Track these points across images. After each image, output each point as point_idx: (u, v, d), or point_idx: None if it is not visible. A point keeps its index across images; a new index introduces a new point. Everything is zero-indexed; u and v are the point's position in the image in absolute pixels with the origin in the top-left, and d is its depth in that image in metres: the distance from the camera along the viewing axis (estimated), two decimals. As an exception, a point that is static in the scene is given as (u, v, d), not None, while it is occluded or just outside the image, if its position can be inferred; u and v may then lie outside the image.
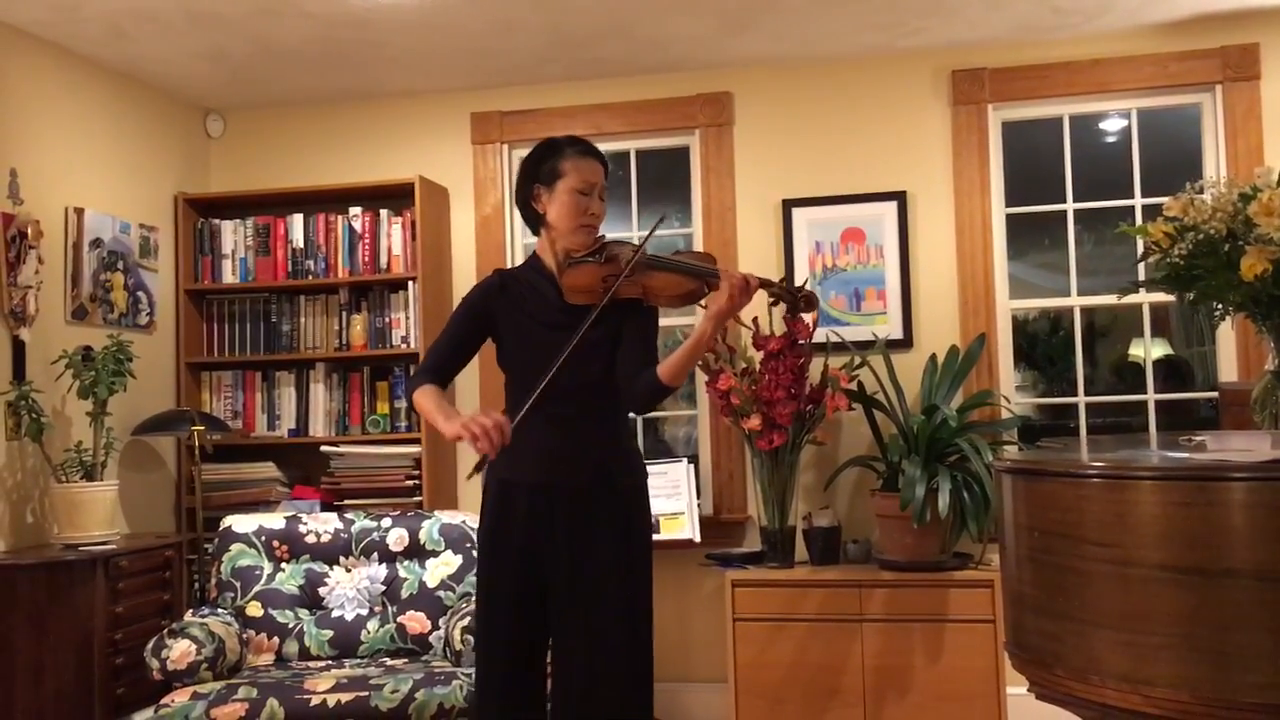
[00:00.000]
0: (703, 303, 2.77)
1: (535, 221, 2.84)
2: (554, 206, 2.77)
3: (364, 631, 3.89)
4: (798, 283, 2.69)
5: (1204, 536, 1.88)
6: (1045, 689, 2.14)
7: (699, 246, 4.80)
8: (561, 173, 2.76)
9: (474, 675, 2.83)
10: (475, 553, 3.49)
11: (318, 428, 4.82)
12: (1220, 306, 2.65)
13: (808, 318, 4.33)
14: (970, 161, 4.59)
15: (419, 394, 2.74)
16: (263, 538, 4.03)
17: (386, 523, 4.10)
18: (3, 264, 3.91)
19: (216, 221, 4.92)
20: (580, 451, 2.74)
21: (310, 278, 4.82)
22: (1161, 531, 1.92)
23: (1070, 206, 4.64)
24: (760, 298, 2.80)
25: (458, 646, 3.64)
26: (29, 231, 4.00)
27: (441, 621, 3.90)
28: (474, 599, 2.86)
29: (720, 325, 2.65)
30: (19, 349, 3.96)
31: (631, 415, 2.95)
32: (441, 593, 3.96)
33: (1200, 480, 1.91)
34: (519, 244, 4.95)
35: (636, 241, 2.80)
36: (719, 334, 2.64)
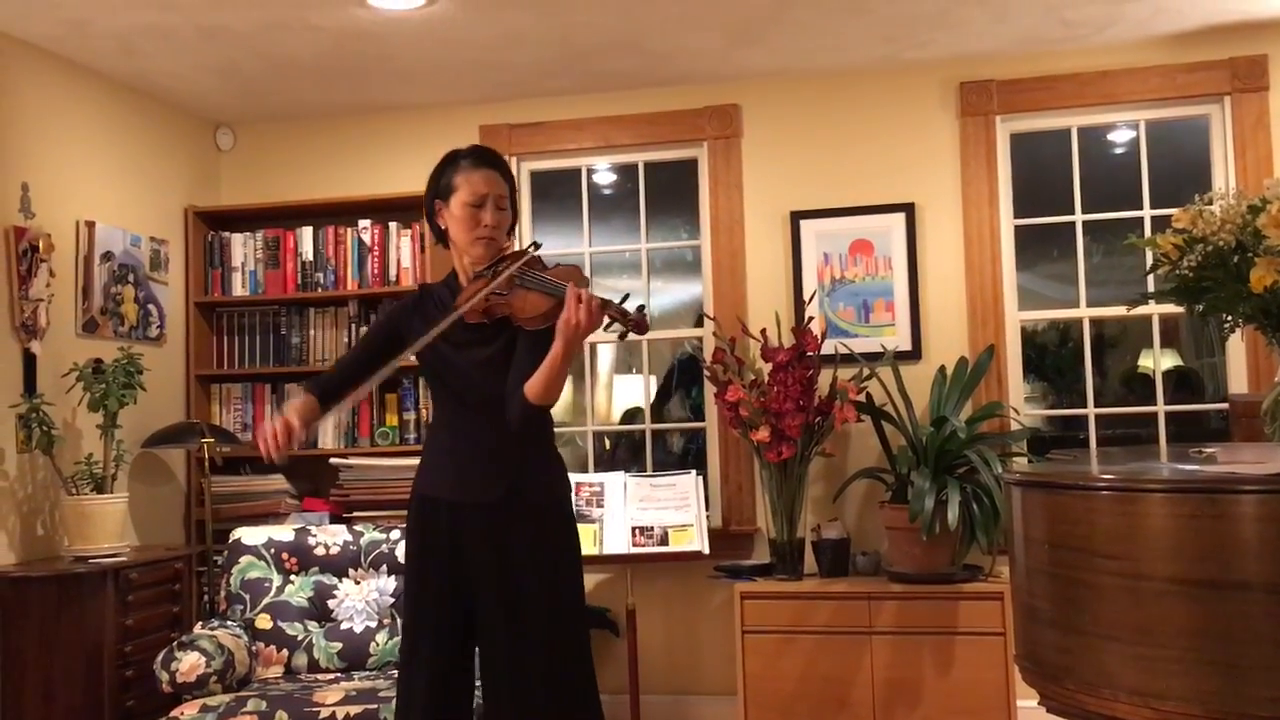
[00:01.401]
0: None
1: (441, 237, 2.85)
2: (452, 222, 2.77)
3: (373, 643, 3.89)
4: (635, 304, 2.63)
5: (1215, 549, 1.88)
6: (1056, 703, 2.14)
7: (707, 259, 4.81)
8: (454, 187, 2.76)
9: (397, 689, 2.80)
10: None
11: (327, 440, 4.83)
12: (1230, 318, 2.64)
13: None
14: (978, 173, 4.59)
15: (292, 400, 2.78)
16: (272, 550, 4.04)
17: (395, 535, 4.11)
18: (14, 277, 3.93)
19: (226, 234, 4.94)
20: (491, 468, 2.72)
21: (320, 290, 4.84)
22: (1172, 544, 1.92)
23: (1079, 218, 4.64)
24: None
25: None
26: (40, 245, 4.02)
27: (450, 634, 3.90)
28: (402, 620, 2.85)
29: (570, 342, 2.57)
30: (30, 362, 3.97)
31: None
32: (450, 605, 3.95)
33: (1211, 493, 1.91)
34: (527, 256, 4.96)
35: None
36: (576, 352, 2.61)
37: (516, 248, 2.84)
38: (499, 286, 2.67)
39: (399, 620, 3.94)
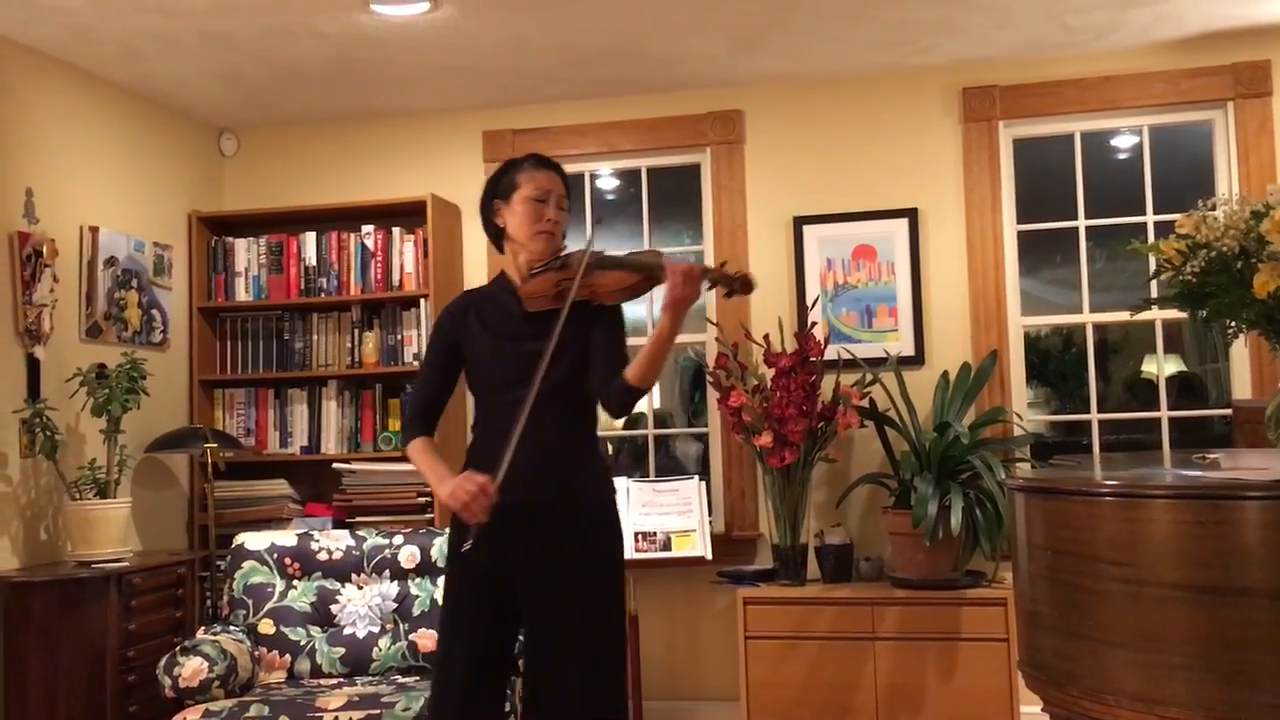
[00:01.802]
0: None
1: (498, 237, 2.91)
2: (512, 218, 2.84)
3: (375, 649, 3.89)
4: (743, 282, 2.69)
5: (1218, 556, 1.88)
6: (1060, 709, 2.13)
7: (710, 264, 4.80)
8: (517, 184, 2.83)
9: (431, 686, 2.81)
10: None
11: (330, 445, 4.83)
12: (1233, 324, 2.64)
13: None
14: (981, 178, 4.59)
15: (411, 450, 2.84)
16: (275, 555, 4.04)
17: (398, 540, 4.10)
18: (18, 282, 3.93)
19: (230, 240, 4.95)
20: (546, 468, 2.73)
21: (323, 295, 4.84)
22: (1175, 550, 1.91)
23: (1082, 223, 4.64)
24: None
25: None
26: (44, 250, 4.02)
27: (453, 639, 3.90)
28: (440, 617, 2.86)
29: (677, 316, 2.62)
30: (34, 367, 3.98)
31: (616, 420, 2.98)
32: (453, 610, 3.95)
33: (1214, 499, 1.91)
34: (530, 261, 4.96)
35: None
36: (678, 326, 2.64)
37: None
38: (572, 272, 2.71)
39: (402, 625, 3.94)
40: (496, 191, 2.88)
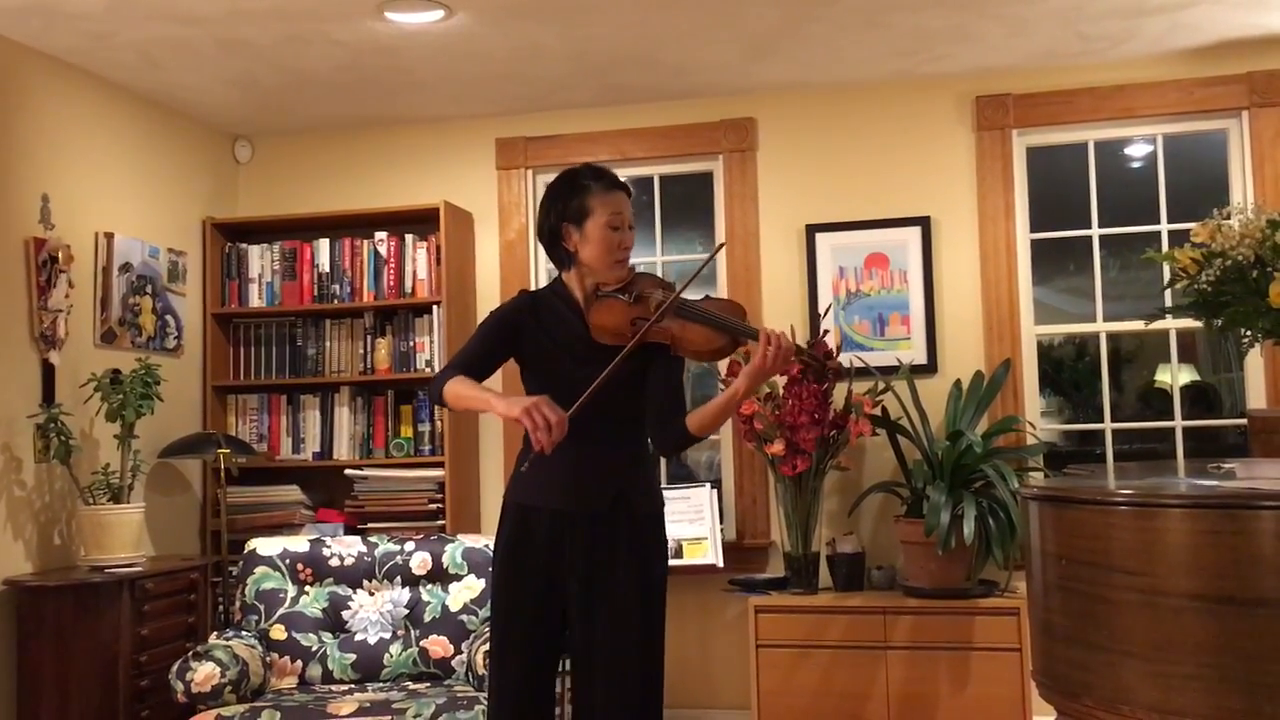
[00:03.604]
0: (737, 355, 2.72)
1: (565, 260, 2.79)
2: (586, 245, 2.72)
3: (387, 655, 3.89)
4: (824, 327, 2.63)
5: (1234, 566, 1.87)
6: (1073, 719, 2.12)
7: (723, 272, 4.81)
8: (590, 210, 2.72)
9: (488, 691, 2.83)
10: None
11: (342, 451, 4.84)
12: (1249, 333, 2.63)
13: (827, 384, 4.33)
14: (994, 187, 4.58)
15: (454, 382, 2.63)
16: (287, 560, 4.05)
17: (410, 546, 4.11)
18: (34, 288, 3.95)
19: (244, 246, 4.97)
20: (602, 479, 2.73)
21: (336, 302, 4.86)
22: (1191, 560, 1.91)
23: (1095, 232, 4.62)
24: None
25: (480, 671, 3.63)
26: (60, 256, 4.04)
27: (464, 645, 3.90)
28: (490, 620, 2.86)
29: (756, 385, 2.61)
30: (49, 372, 4.00)
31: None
32: (464, 617, 3.95)
33: (1230, 509, 1.90)
34: (543, 269, 4.97)
35: (665, 276, 2.78)
36: (754, 392, 2.60)
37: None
38: (648, 311, 2.62)
39: (413, 632, 3.94)
40: (566, 215, 2.73)
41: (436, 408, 4.72)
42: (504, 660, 2.76)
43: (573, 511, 2.71)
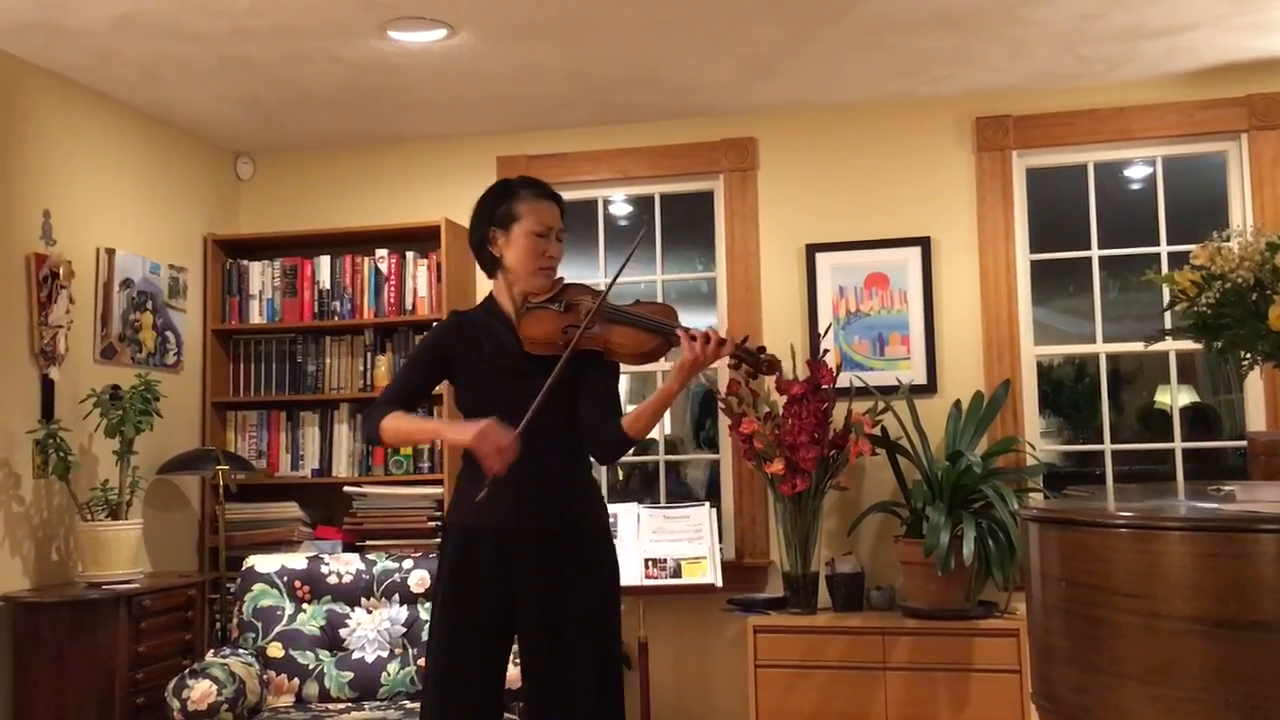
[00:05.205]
0: (664, 359, 2.76)
1: (491, 265, 2.81)
2: (511, 250, 2.74)
3: (384, 673, 3.88)
4: (763, 343, 2.62)
5: (1234, 589, 1.87)
6: (1073, 742, 2.11)
7: (723, 291, 4.82)
8: (517, 215, 2.74)
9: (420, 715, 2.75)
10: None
11: (341, 468, 4.83)
12: (1248, 355, 2.64)
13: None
14: (994, 208, 4.59)
15: (391, 419, 2.69)
16: (285, 578, 4.04)
17: (408, 564, 4.10)
18: (34, 303, 3.96)
19: (244, 262, 4.98)
20: (545, 495, 2.71)
21: (336, 319, 4.86)
22: (1191, 583, 1.90)
23: (1095, 253, 4.63)
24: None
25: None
26: (60, 272, 4.05)
27: (462, 664, 3.88)
28: (427, 657, 2.77)
29: (687, 381, 2.61)
30: (48, 387, 3.99)
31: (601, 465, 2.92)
32: (462, 635, 3.94)
33: (1229, 531, 1.90)
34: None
35: (596, 286, 2.78)
36: (685, 386, 2.62)
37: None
38: (578, 318, 2.65)
39: (411, 650, 3.93)
40: (493, 220, 2.77)
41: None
42: (446, 695, 2.67)
43: (518, 529, 2.68)
